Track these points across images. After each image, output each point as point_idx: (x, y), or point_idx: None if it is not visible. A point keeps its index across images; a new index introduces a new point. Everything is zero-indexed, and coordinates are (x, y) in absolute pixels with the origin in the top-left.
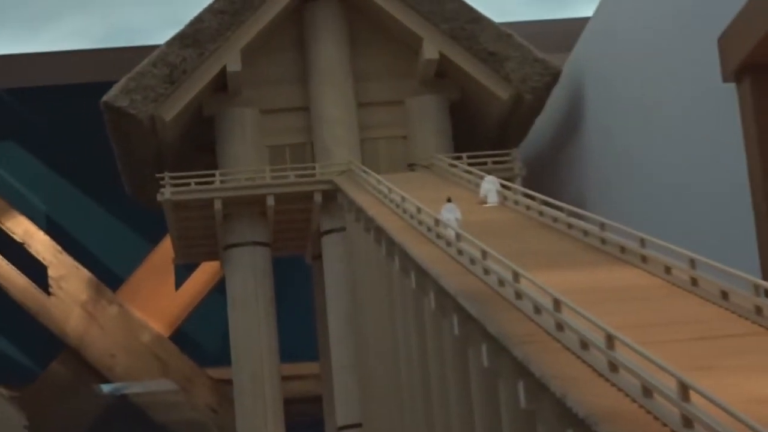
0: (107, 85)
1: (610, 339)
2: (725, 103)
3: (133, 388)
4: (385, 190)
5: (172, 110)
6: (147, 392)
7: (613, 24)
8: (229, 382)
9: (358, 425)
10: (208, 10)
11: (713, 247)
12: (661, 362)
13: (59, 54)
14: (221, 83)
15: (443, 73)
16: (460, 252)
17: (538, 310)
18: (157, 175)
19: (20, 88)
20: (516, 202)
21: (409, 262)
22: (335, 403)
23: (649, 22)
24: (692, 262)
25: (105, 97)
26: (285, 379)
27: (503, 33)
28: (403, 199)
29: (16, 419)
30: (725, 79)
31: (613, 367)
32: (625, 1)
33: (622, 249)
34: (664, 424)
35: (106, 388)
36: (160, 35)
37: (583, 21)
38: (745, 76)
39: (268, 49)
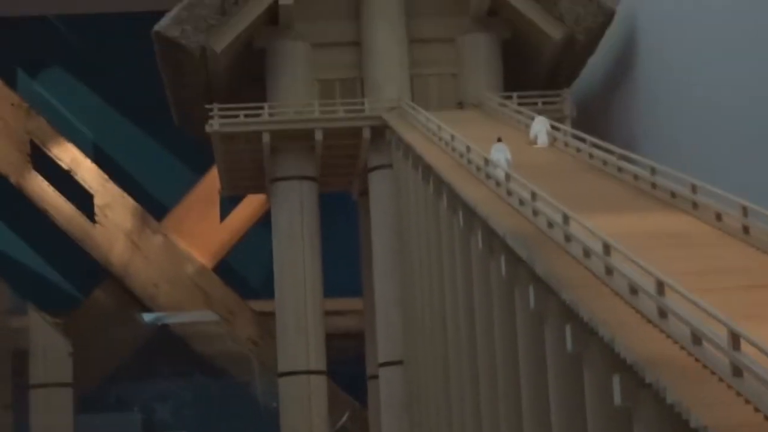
0: (159, 15)
1: (660, 285)
2: None
3: (175, 319)
4: (435, 128)
5: (222, 42)
6: (189, 323)
7: None
8: (271, 315)
9: (400, 362)
10: None
11: (766, 196)
12: (711, 309)
13: None
14: (273, 16)
15: (496, 10)
16: (509, 193)
17: (587, 253)
18: (207, 107)
19: (71, 15)
20: (566, 144)
21: (457, 201)
22: (377, 339)
23: None
24: (744, 210)
25: (156, 27)
26: (328, 314)
27: None
28: (453, 137)
29: (61, 345)
30: None
31: (663, 313)
32: None
33: (673, 194)
34: (713, 373)
35: (148, 317)
36: None
37: None
38: None
39: None
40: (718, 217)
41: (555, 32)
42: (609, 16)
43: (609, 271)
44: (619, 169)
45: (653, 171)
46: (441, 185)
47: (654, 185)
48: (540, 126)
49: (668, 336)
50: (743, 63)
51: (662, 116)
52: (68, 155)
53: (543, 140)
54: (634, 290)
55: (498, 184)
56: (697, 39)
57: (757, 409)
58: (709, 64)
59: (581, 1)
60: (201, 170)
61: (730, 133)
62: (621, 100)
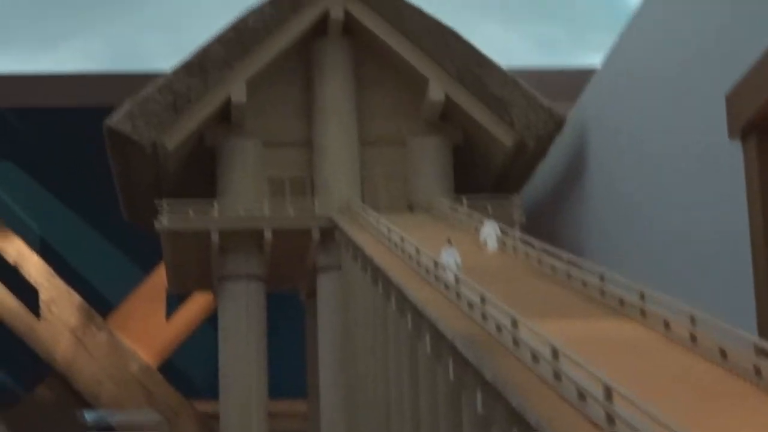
0: (110, 109)
1: (608, 391)
2: (730, 159)
3: (117, 417)
4: (385, 230)
5: (174, 138)
6: (131, 422)
7: (621, 75)
8: (215, 416)
9: None
10: (216, 39)
11: (711, 299)
12: (660, 416)
13: (64, 76)
14: (225, 113)
15: (448, 115)
16: (458, 296)
17: (536, 358)
18: (156, 202)
19: (23, 108)
20: (515, 249)
21: (405, 304)
22: None
23: (657, 75)
24: (692, 319)
25: (108, 122)
26: (272, 415)
27: (510, 79)
28: (403, 239)
29: None
30: (731, 136)
31: (611, 419)
32: (633, 53)
33: (622, 301)
34: None
35: (90, 415)
36: (167, 59)
37: (589, 71)
38: (751, 134)
39: (273, 82)
40: (666, 324)
41: (506, 139)
42: (559, 124)
43: (557, 376)
44: (568, 275)
45: (602, 278)
46: (390, 287)
47: (603, 292)
48: (490, 230)
49: None
50: (690, 175)
51: (609, 225)
52: (15, 249)
53: (492, 244)
54: (582, 396)
55: (447, 287)
56: (643, 154)
57: None
58: (657, 175)
59: (533, 109)
60: (148, 265)
61: (675, 243)
62: (570, 208)
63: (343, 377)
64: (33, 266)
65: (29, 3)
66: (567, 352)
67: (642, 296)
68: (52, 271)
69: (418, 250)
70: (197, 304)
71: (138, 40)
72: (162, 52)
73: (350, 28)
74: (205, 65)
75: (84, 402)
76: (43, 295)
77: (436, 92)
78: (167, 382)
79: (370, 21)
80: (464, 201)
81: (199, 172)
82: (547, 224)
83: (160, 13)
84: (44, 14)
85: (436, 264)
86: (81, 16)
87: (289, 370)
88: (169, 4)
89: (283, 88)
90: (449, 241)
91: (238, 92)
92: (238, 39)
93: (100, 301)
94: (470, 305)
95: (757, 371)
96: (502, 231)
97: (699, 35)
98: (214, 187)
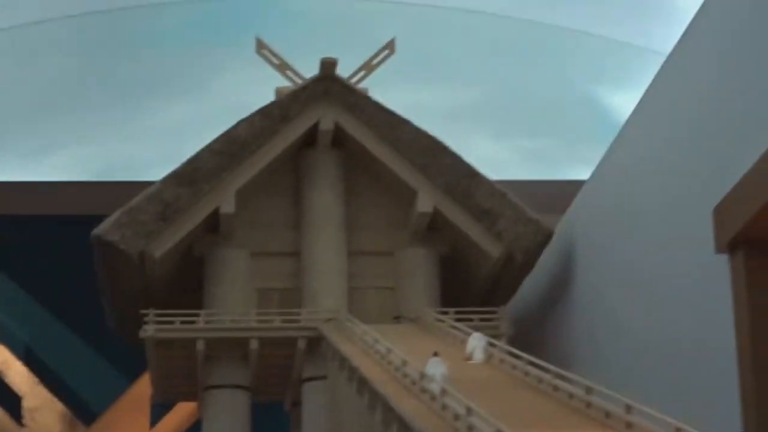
0: (98, 218)
1: None
2: (717, 273)
3: None
4: (371, 341)
5: (162, 248)
6: None
7: (609, 188)
8: None
9: None
10: (207, 149)
11: (697, 411)
12: None
13: (52, 184)
14: (214, 223)
15: (435, 226)
16: (444, 407)
17: None
18: (142, 312)
19: (8, 216)
20: (501, 361)
21: (391, 415)
22: None
23: (644, 188)
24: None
25: (95, 231)
26: None
27: (498, 191)
28: (389, 350)
29: None
30: (718, 250)
31: None
32: (621, 166)
33: (607, 413)
34: None
35: None
36: (158, 170)
37: (578, 183)
38: (738, 248)
39: (262, 193)
40: None
41: (493, 250)
42: (547, 237)
43: None
44: (555, 388)
45: (588, 390)
46: (376, 398)
47: (589, 404)
48: (476, 342)
49: None
50: (677, 290)
51: (597, 338)
52: None
53: (479, 356)
54: None
55: (433, 398)
56: (630, 266)
57: None
58: (645, 290)
59: (521, 221)
60: (132, 375)
61: (662, 354)
62: (557, 320)
63: None
64: (17, 373)
65: (21, 112)
66: None
67: (628, 409)
68: (36, 379)
69: (404, 362)
70: (181, 413)
71: (131, 150)
72: (155, 162)
73: (340, 139)
74: (195, 175)
75: None
76: (27, 403)
77: (424, 204)
78: None
79: (359, 133)
80: (451, 313)
81: (188, 281)
82: (535, 335)
83: (153, 123)
84: (36, 123)
85: (422, 375)
86: (74, 125)
87: None
88: (162, 114)
89: (272, 199)
90: (436, 353)
91: (227, 203)
92: (228, 149)
93: (84, 409)
94: (456, 417)
95: None
96: (489, 343)
97: (687, 149)
98: (202, 296)
